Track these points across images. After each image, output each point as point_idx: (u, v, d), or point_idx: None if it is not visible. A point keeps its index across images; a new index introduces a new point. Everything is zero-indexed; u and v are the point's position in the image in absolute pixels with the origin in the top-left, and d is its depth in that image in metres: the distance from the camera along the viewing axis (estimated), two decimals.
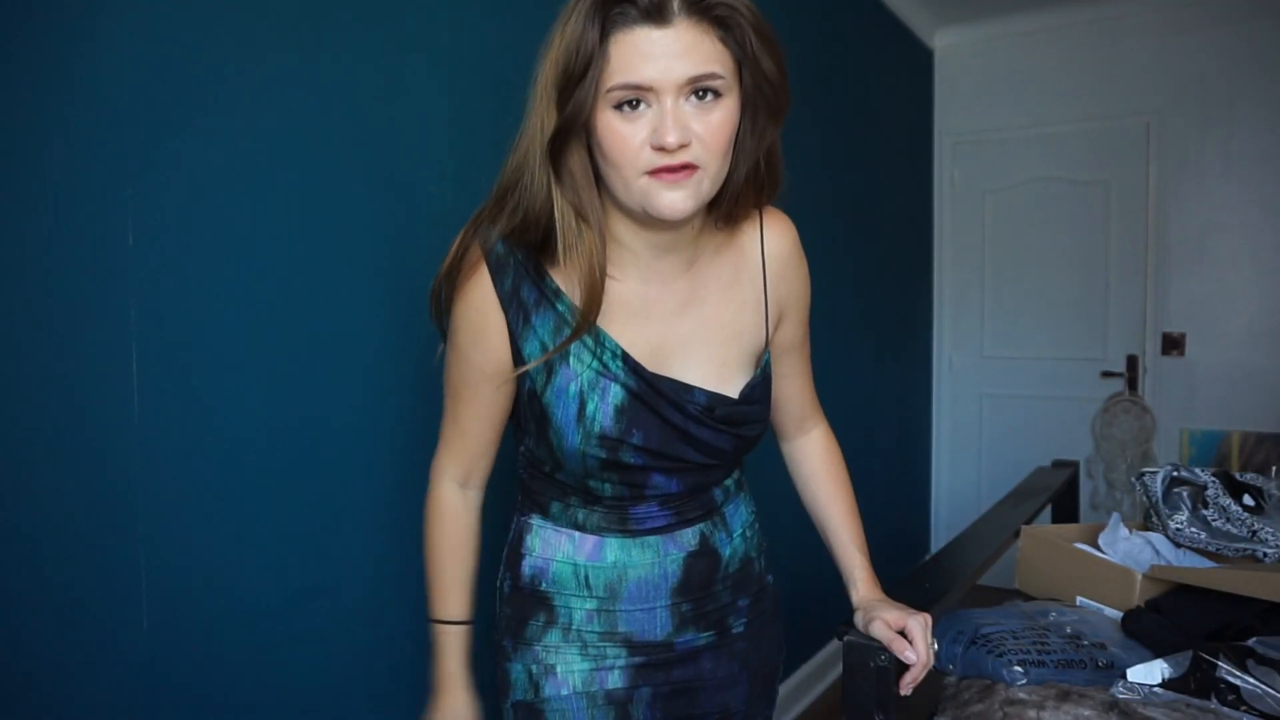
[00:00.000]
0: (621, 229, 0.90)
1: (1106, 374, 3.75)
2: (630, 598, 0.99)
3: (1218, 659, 1.09)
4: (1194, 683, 1.10)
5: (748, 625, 1.06)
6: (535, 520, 1.02)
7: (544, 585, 1.00)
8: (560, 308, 0.90)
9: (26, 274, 0.94)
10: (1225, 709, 1.06)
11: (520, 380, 0.94)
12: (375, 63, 1.34)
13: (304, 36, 1.23)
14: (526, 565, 1.01)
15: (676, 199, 0.82)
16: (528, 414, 0.96)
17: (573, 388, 0.90)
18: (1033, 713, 1.21)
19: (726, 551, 1.04)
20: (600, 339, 0.91)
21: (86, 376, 0.99)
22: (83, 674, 0.99)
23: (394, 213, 1.37)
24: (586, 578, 0.99)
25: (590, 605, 0.99)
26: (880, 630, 0.99)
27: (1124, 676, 1.16)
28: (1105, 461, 3.72)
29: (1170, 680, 1.11)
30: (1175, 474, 1.62)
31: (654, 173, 0.81)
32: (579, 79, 0.79)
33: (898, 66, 3.72)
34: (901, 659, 0.96)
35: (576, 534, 0.99)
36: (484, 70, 1.51)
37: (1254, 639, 1.15)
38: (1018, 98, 3.89)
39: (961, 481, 4.12)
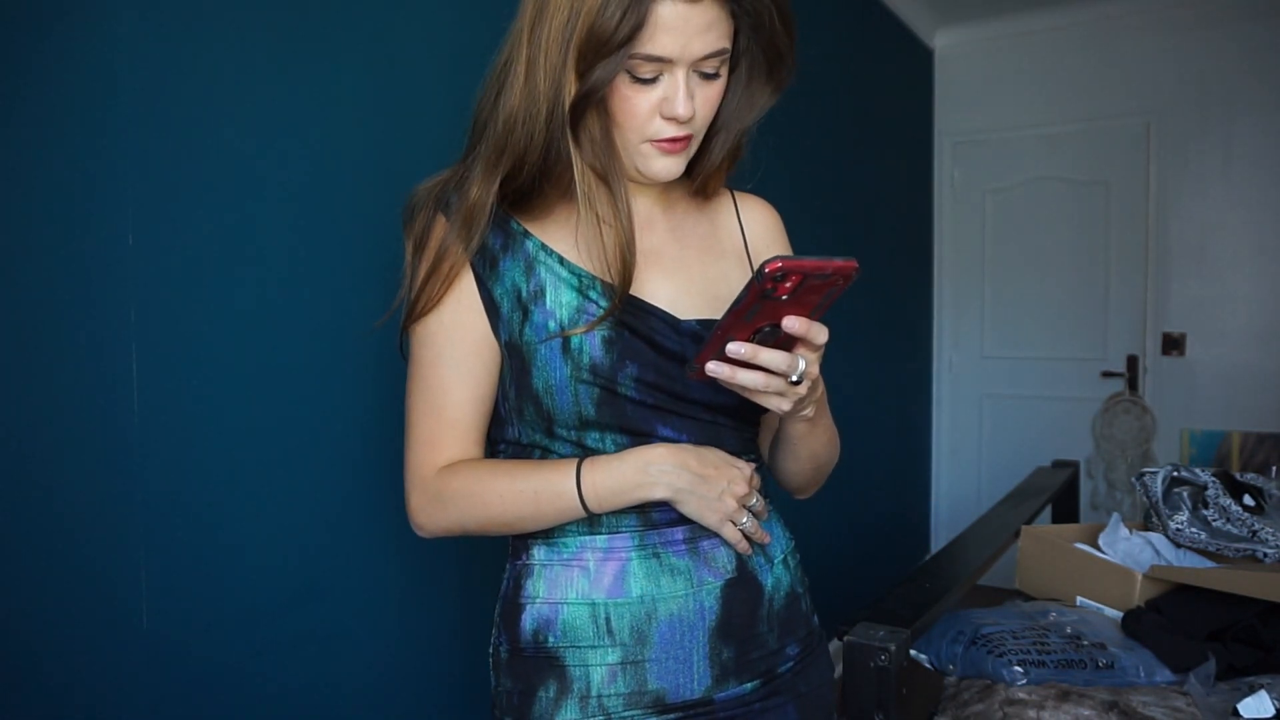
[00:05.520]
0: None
1: (1106, 374, 3.75)
2: (661, 642, 0.85)
3: None
4: None
5: (796, 662, 0.94)
6: (538, 553, 0.88)
7: (551, 640, 0.86)
8: (530, 246, 0.87)
9: (27, 274, 0.94)
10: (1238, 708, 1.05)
11: (497, 335, 0.87)
12: (376, 62, 1.34)
13: (304, 36, 1.23)
14: (528, 617, 0.87)
15: (671, 165, 0.86)
16: (509, 374, 0.87)
17: (552, 324, 0.84)
18: (1033, 713, 1.21)
19: (768, 582, 0.91)
20: (576, 271, 0.87)
21: (86, 376, 0.99)
22: (83, 673, 0.99)
23: (395, 213, 1.36)
24: (608, 621, 0.85)
25: (613, 658, 0.84)
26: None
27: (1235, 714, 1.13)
28: (1105, 461, 3.72)
29: None
30: (1175, 474, 1.62)
31: (656, 141, 0.83)
32: (616, 48, 0.76)
33: (898, 66, 3.71)
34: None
35: (591, 560, 0.86)
36: (486, 69, 1.51)
37: None
38: (1018, 98, 3.89)
39: (961, 481, 4.11)
